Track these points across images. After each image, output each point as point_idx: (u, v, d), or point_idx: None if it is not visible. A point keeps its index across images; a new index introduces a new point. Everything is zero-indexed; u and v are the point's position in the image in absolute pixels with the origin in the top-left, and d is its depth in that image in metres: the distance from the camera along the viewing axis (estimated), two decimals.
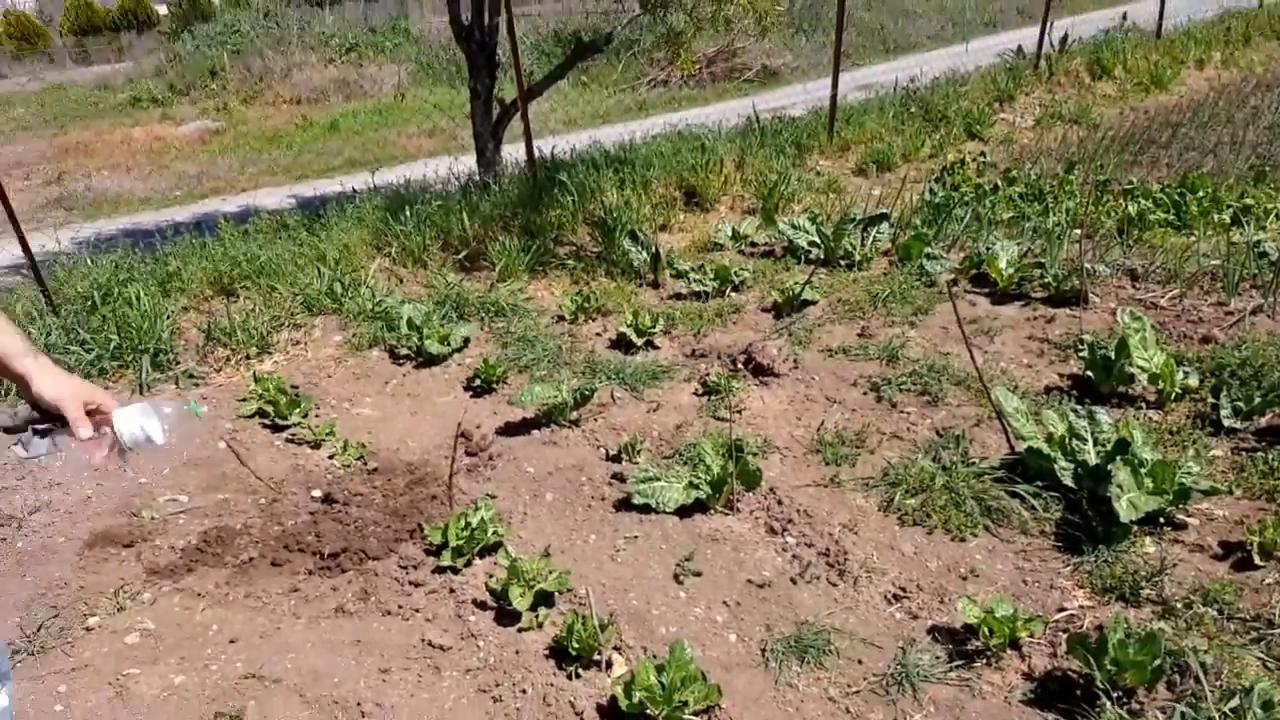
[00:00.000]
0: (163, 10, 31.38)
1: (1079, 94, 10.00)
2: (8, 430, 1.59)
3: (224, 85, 17.18)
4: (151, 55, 21.70)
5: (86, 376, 4.63)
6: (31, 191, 10.76)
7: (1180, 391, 3.57)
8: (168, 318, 4.96)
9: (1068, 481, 3.02)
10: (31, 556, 3.26)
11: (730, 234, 6.10)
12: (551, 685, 2.47)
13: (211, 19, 21.59)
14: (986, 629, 2.42)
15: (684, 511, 3.21)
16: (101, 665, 2.69)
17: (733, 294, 5.23)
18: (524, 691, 2.47)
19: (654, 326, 4.67)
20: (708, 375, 4.17)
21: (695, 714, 2.30)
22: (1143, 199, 5.77)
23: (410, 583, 2.95)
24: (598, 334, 4.88)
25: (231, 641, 2.75)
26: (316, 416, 4.16)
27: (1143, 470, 2.83)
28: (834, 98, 8.29)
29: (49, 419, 1.59)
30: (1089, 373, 3.77)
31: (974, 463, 3.30)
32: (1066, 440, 3.11)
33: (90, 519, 3.47)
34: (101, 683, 2.62)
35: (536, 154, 6.94)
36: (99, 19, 30.99)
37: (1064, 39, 11.24)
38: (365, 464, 3.76)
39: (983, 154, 7.54)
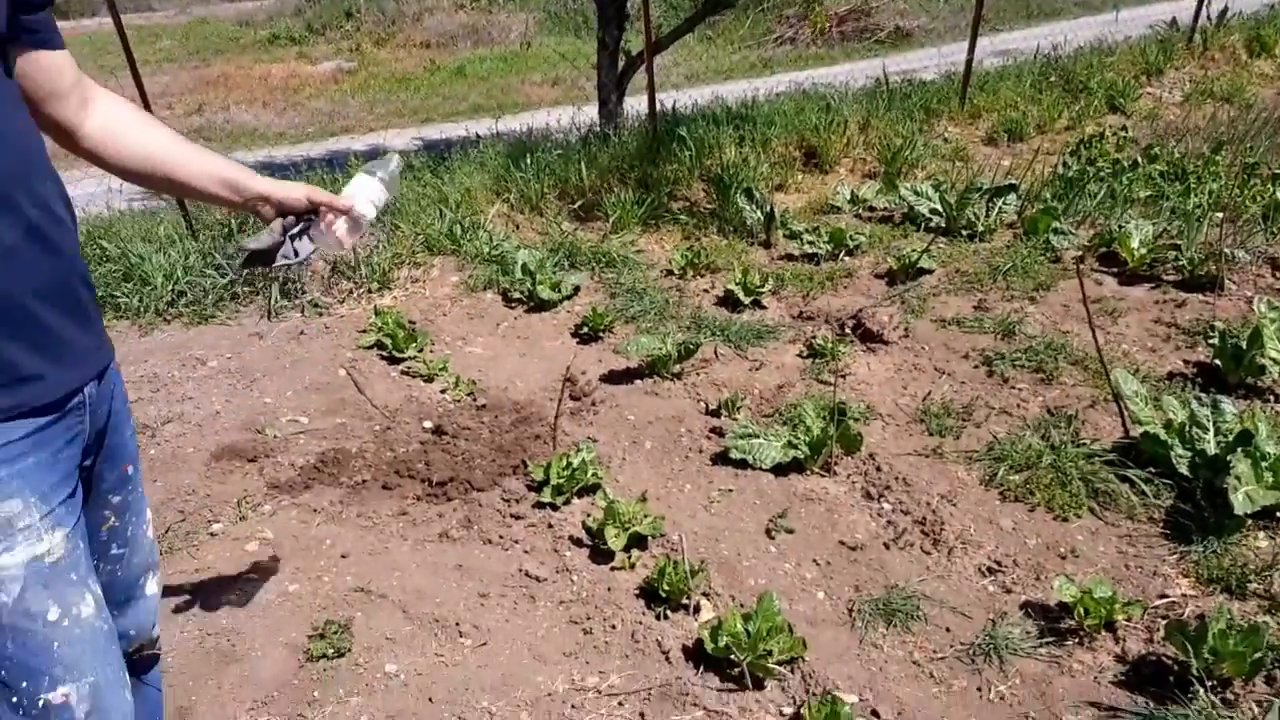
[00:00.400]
0: None
1: (1234, 71, 9.38)
2: (260, 255, 1.75)
3: (358, 27, 17.62)
4: None
5: (219, 301, 4.92)
6: (174, 121, 11.30)
7: None
8: None
9: (1183, 470, 2.92)
10: (163, 464, 3.49)
11: (849, 197, 5.99)
12: (640, 623, 2.55)
13: None
14: (1082, 609, 2.38)
15: (780, 470, 3.23)
16: (223, 569, 2.89)
17: (846, 258, 5.16)
18: (613, 627, 2.55)
19: (762, 286, 4.66)
20: (814, 338, 4.15)
21: (778, 663, 2.34)
22: None
23: (511, 515, 3.06)
24: (705, 290, 4.90)
25: (343, 556, 2.91)
26: (431, 352, 4.31)
27: (1264, 464, 2.71)
28: (969, 62, 8.00)
29: (300, 219, 1.76)
30: (1217, 361, 3.60)
31: (1084, 444, 3.21)
32: (1186, 428, 3.00)
33: (218, 433, 3.70)
34: (222, 584, 2.81)
35: (658, 107, 6.94)
36: None
37: (1223, 12, 10.53)
38: (474, 400, 3.89)
39: (1124, 128, 7.18)
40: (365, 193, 1.85)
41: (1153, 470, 3.01)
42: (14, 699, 1.33)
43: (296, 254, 1.74)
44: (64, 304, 1.36)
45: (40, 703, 1.34)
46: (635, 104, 7.57)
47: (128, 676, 1.50)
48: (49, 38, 1.42)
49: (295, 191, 1.74)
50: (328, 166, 6.63)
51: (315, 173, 6.39)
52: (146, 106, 5.49)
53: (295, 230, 1.75)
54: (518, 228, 5.83)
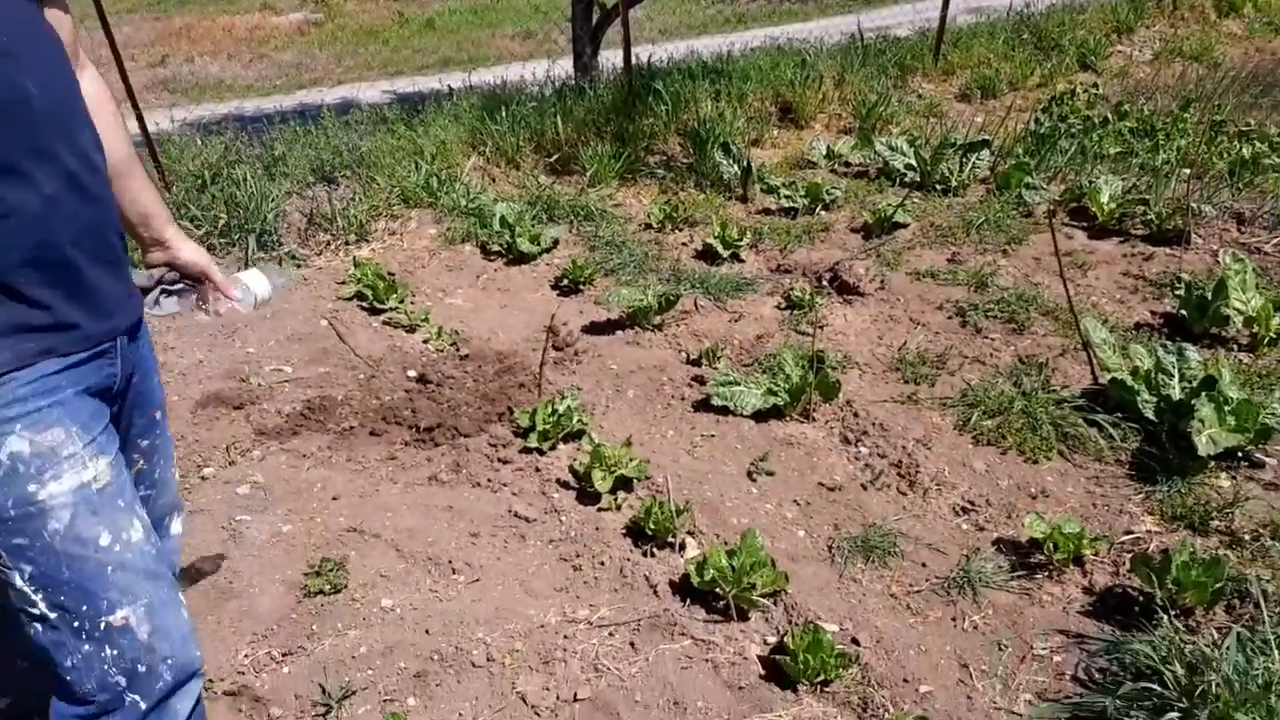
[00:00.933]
0: None
1: (1203, 30, 9.51)
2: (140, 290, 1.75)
3: None
4: None
5: None
6: (137, 73, 11.02)
7: (1275, 336, 3.51)
8: (273, 200, 5.16)
9: (1148, 414, 3.03)
10: None
11: (824, 152, 6.04)
12: (628, 560, 2.63)
13: None
14: (1051, 544, 2.48)
15: (760, 416, 3.31)
16: (216, 510, 2.92)
17: (822, 212, 5.22)
18: (602, 563, 2.63)
19: (740, 239, 4.71)
20: (791, 290, 4.21)
21: (762, 596, 2.43)
22: (1258, 142, 5.54)
23: (499, 459, 3.12)
24: (684, 244, 4.94)
25: (334, 498, 2.95)
26: (412, 303, 4.33)
27: (1226, 408, 2.83)
28: (943, 19, 8.03)
29: (183, 280, 1.79)
30: (1182, 312, 3.72)
31: (1055, 390, 3.32)
32: (1152, 374, 3.11)
33: (202, 381, 3.70)
34: (216, 525, 2.84)
35: (633, 61, 6.91)
36: None
37: None
38: (457, 350, 3.92)
39: (1095, 85, 7.27)
40: (254, 286, 1.90)
41: (1120, 415, 3.13)
42: (76, 624, 1.37)
43: (159, 305, 1.78)
44: (99, 252, 1.40)
45: (102, 625, 1.38)
46: (610, 57, 7.54)
47: (181, 595, 1.54)
48: None
49: (192, 256, 1.76)
50: (300, 118, 6.55)
51: (288, 124, 6.32)
52: (116, 58, 5.41)
53: (174, 288, 1.79)
54: (494, 181, 5.82)
